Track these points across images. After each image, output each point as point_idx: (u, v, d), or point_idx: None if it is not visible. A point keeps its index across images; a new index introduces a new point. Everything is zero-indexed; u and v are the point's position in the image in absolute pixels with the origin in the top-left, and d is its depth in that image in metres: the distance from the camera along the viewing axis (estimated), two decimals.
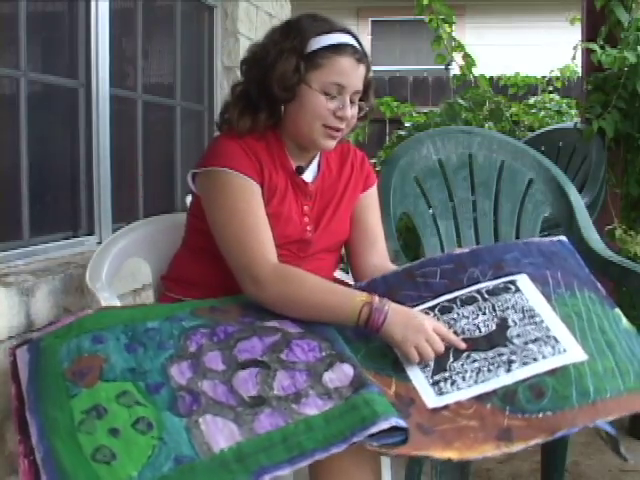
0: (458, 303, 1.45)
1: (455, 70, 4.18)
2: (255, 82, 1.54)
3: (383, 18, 9.04)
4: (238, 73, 1.57)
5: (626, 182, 3.07)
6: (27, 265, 1.84)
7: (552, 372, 1.29)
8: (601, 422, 1.24)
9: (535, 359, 1.32)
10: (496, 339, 1.36)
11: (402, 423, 1.17)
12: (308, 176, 1.61)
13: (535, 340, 1.35)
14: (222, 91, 3.09)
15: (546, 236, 2.91)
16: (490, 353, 1.35)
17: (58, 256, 1.98)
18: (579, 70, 3.88)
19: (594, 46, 2.95)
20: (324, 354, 1.30)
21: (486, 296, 1.45)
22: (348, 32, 1.54)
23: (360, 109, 1.57)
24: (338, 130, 1.53)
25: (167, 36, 2.82)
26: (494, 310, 1.42)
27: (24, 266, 1.82)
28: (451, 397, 1.29)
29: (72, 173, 2.18)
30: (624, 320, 1.43)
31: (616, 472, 2.33)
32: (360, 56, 1.52)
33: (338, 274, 1.75)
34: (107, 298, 1.63)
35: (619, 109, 2.92)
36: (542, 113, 4.24)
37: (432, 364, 1.35)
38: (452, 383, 1.32)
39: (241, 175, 1.48)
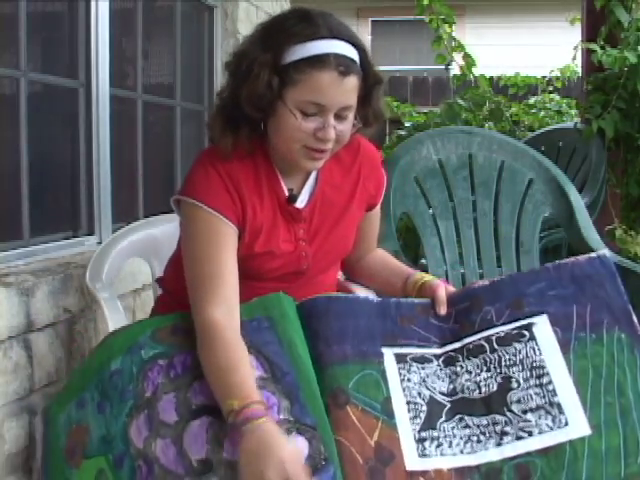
0: (464, 353, 1.35)
1: (455, 70, 4.19)
2: (231, 95, 1.37)
3: (383, 18, 9.04)
4: None
5: (626, 182, 3.07)
6: (27, 265, 1.83)
7: (545, 451, 1.22)
8: None
9: (530, 433, 1.24)
10: (494, 404, 1.28)
11: None
12: (302, 199, 1.46)
13: (536, 409, 1.26)
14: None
15: (546, 236, 2.94)
16: (484, 420, 1.27)
17: (58, 256, 1.98)
18: (579, 70, 3.88)
19: (594, 46, 2.95)
20: (282, 417, 1.21)
21: (495, 346, 1.34)
22: (336, 37, 1.31)
23: (363, 120, 1.40)
24: (321, 151, 1.35)
25: (167, 36, 2.82)
26: (499, 365, 1.32)
27: (24, 266, 1.82)
28: (432, 462, 1.23)
29: (72, 173, 2.18)
30: None
31: None
32: (346, 68, 1.30)
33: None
34: (107, 298, 1.63)
35: (619, 109, 2.93)
36: (542, 113, 4.25)
37: (423, 417, 1.27)
38: (438, 446, 1.25)
39: (214, 213, 1.36)
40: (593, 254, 1.43)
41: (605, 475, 1.19)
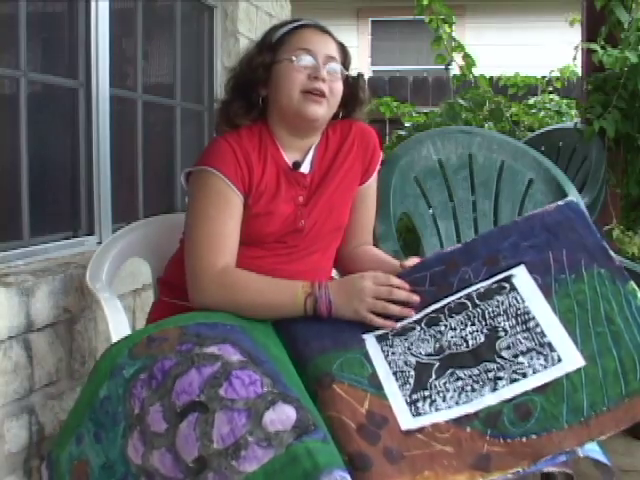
0: (446, 312, 1.37)
1: (455, 70, 4.19)
2: (235, 77, 1.65)
3: (383, 18, 9.03)
4: None
5: (626, 182, 3.07)
6: (27, 265, 1.84)
7: (542, 388, 1.22)
8: (596, 454, 1.21)
9: (524, 375, 1.24)
10: (484, 353, 1.29)
11: (347, 478, 1.10)
12: (305, 167, 1.61)
13: (526, 351, 1.26)
14: (222, 91, 3.08)
15: None
16: (476, 370, 1.27)
17: (58, 256, 1.98)
18: (579, 70, 3.88)
19: (595, 46, 2.95)
20: (265, 390, 1.22)
21: (477, 301, 1.36)
22: (316, 24, 1.61)
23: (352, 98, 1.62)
24: (319, 94, 1.54)
25: (167, 36, 2.82)
26: (484, 318, 1.33)
27: (24, 266, 1.82)
28: (428, 418, 1.22)
29: (72, 173, 2.18)
30: (639, 295, 1.30)
31: (616, 472, 2.32)
32: (324, 29, 1.59)
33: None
34: (107, 298, 1.63)
35: (619, 109, 2.92)
36: (542, 113, 4.24)
37: (412, 382, 1.28)
38: (431, 403, 1.25)
39: (222, 177, 1.51)
40: (561, 201, 1.45)
41: (607, 398, 1.19)
